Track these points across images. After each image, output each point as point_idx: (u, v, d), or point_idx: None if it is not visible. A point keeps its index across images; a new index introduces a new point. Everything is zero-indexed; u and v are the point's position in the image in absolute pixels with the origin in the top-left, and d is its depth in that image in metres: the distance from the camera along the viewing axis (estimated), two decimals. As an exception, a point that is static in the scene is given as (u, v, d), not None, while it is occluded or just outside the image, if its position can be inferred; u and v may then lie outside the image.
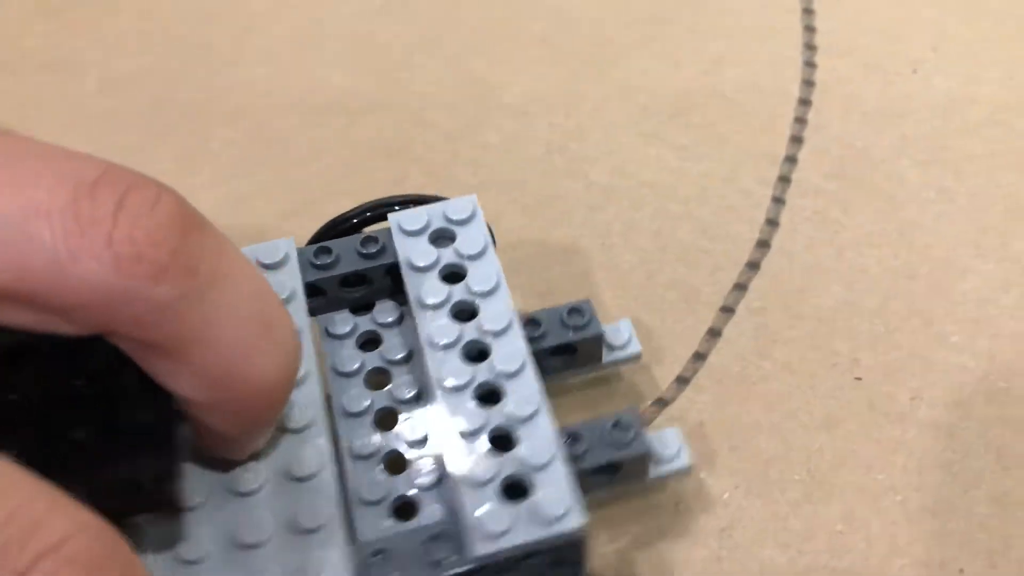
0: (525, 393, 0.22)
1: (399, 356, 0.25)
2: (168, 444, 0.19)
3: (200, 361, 0.17)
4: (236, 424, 0.19)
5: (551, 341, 0.24)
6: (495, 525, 0.20)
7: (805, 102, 0.34)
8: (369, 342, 0.25)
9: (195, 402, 0.18)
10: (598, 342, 0.25)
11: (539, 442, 0.21)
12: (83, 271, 0.16)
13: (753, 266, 0.30)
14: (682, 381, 0.28)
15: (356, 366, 0.25)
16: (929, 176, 0.32)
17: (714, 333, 0.28)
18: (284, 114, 0.35)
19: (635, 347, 0.26)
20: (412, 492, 0.22)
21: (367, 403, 0.24)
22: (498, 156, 0.34)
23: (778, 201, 0.31)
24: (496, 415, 0.22)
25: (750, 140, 0.33)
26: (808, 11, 0.38)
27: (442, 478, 0.22)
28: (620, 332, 0.26)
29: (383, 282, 0.26)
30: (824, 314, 0.29)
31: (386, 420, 0.24)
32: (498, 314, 0.23)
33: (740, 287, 0.29)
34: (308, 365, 0.22)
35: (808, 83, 0.35)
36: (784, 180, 0.32)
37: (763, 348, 0.28)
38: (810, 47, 0.36)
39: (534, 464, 0.21)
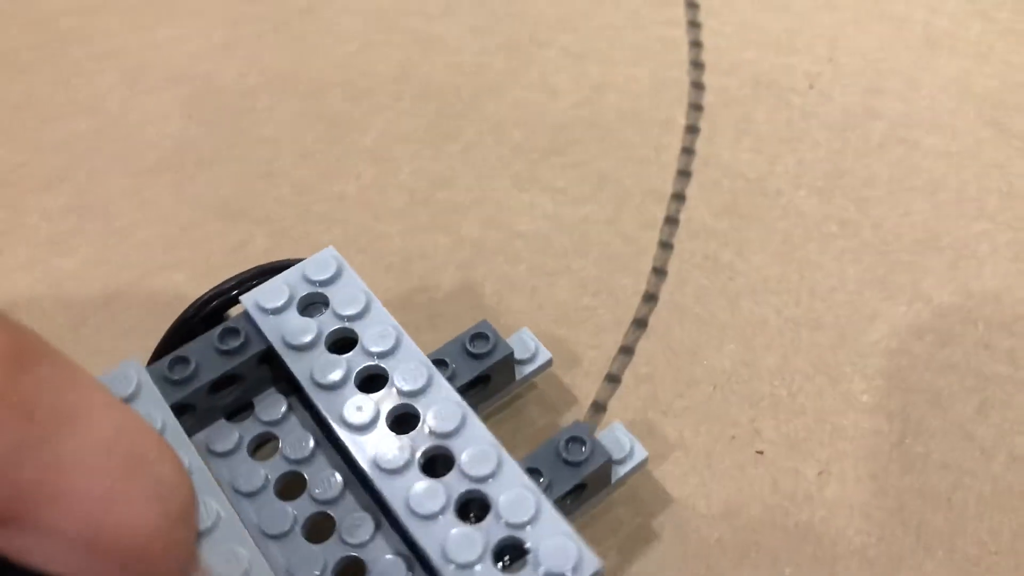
0: (478, 447, 0.19)
1: (306, 452, 0.21)
2: None
3: (51, 523, 0.14)
4: None
5: (464, 377, 0.22)
6: None
7: (693, 129, 0.31)
8: (262, 446, 0.22)
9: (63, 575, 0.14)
10: (510, 362, 0.23)
11: (516, 494, 0.18)
12: None
13: (640, 324, 0.27)
14: (564, 467, 0.24)
15: (261, 481, 0.21)
16: (830, 207, 0.29)
17: (598, 408, 0.25)
18: (110, 174, 0.31)
19: (544, 355, 0.23)
20: None
21: (291, 519, 0.20)
22: (356, 208, 0.30)
23: (665, 246, 0.28)
24: (456, 482, 0.19)
25: (633, 177, 0.30)
26: (694, 24, 0.34)
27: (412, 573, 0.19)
28: (524, 343, 0.23)
29: (258, 375, 0.22)
30: (719, 378, 0.25)
31: (320, 530, 0.20)
32: (413, 371, 0.20)
33: (626, 350, 0.26)
34: (217, 504, 0.18)
35: (696, 107, 0.32)
36: (671, 221, 0.29)
37: (653, 423, 0.25)
38: (697, 65, 0.33)
39: (520, 521, 0.18)
